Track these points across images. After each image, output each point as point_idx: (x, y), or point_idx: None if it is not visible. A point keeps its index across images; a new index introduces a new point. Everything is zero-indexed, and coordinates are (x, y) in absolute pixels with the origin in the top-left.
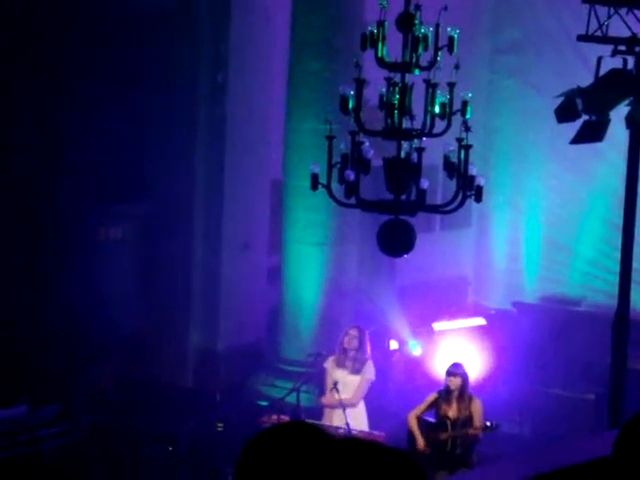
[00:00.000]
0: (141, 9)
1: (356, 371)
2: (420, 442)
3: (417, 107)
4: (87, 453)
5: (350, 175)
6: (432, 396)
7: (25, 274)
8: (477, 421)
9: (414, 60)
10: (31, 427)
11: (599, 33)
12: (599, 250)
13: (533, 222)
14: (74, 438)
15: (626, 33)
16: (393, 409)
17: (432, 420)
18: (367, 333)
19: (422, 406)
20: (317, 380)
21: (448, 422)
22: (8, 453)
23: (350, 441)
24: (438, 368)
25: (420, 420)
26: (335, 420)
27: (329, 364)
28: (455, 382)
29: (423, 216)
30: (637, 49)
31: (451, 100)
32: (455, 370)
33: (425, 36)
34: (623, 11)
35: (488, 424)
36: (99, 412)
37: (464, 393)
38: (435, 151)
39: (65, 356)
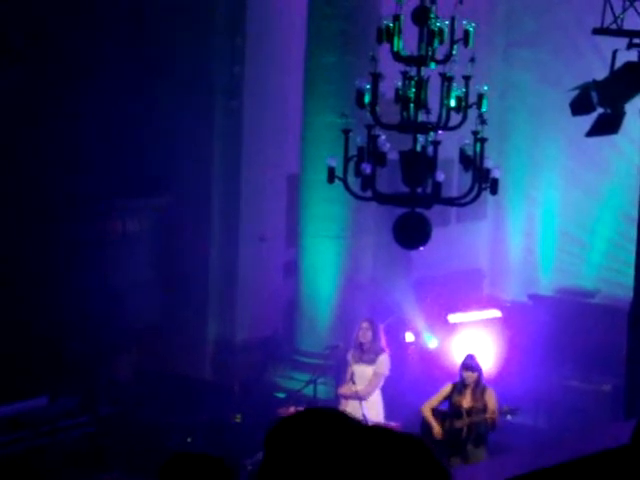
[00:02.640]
0: (157, 1)
1: (371, 361)
2: (436, 429)
3: (433, 100)
4: (106, 445)
5: (366, 168)
6: (447, 388)
7: (43, 268)
8: (491, 409)
9: (430, 54)
10: (51, 418)
11: (614, 26)
12: (614, 242)
13: (548, 214)
14: (93, 430)
15: None
16: (408, 401)
17: (446, 409)
18: (380, 326)
19: (436, 398)
20: (334, 372)
21: (463, 411)
22: (28, 444)
23: (369, 428)
24: (454, 360)
25: (434, 411)
26: (350, 411)
27: (350, 356)
28: (472, 377)
29: (439, 209)
30: None
31: (467, 93)
32: (470, 363)
33: (441, 30)
34: (638, 4)
35: (506, 407)
36: (118, 404)
37: (478, 385)
38: (451, 144)
39: (84, 349)
